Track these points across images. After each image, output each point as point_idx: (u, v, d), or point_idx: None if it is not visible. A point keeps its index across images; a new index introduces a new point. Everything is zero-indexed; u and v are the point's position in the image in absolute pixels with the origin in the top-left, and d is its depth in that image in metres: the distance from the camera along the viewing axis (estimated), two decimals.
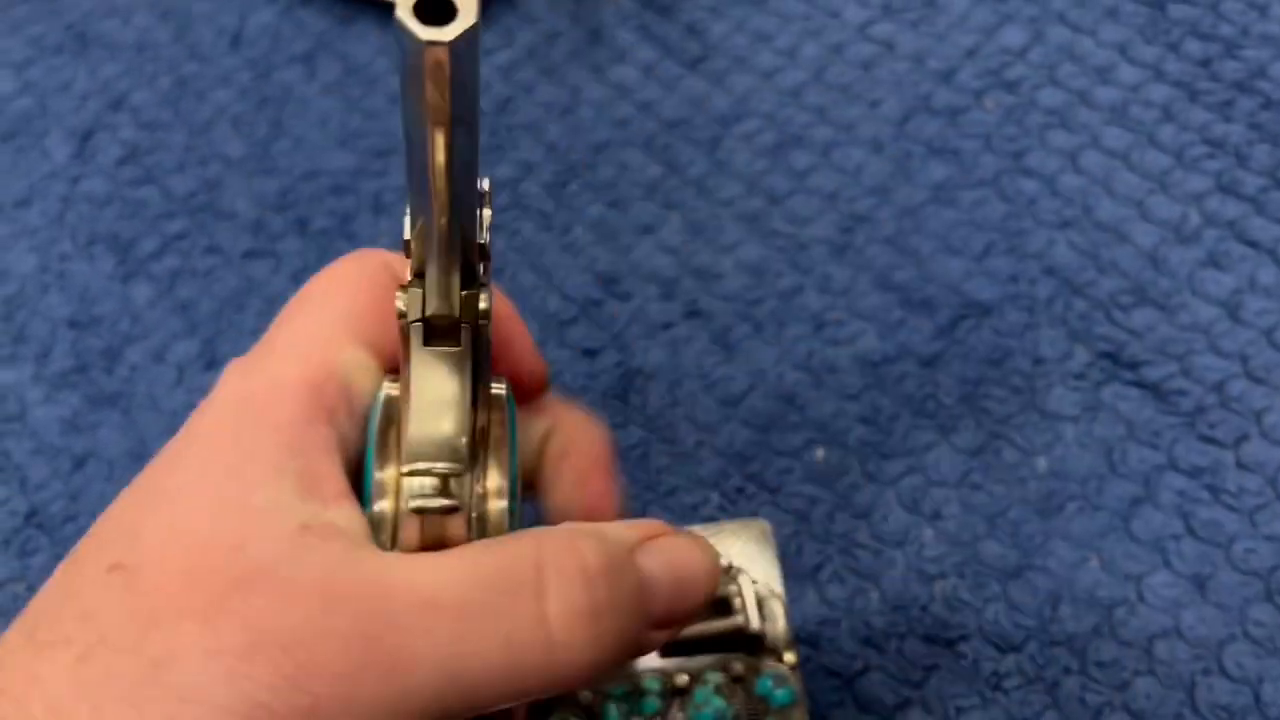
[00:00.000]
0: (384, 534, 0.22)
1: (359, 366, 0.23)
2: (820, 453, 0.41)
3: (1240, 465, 0.39)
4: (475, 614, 0.20)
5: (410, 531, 0.21)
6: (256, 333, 0.48)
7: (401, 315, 0.21)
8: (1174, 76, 0.47)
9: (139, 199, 0.50)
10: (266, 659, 0.18)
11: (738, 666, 0.32)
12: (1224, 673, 0.36)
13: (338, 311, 0.24)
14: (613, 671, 0.24)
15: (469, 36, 0.16)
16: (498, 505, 0.23)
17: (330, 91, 0.53)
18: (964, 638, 0.37)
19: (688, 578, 0.24)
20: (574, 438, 0.30)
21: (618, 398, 0.43)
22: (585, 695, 0.31)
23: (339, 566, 0.20)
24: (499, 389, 0.24)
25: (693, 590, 0.24)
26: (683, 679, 0.32)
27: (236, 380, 0.23)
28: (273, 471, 0.20)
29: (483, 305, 0.21)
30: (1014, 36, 0.49)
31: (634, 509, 0.41)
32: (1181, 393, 0.40)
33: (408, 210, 0.20)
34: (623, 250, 0.47)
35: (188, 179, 0.51)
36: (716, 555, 0.25)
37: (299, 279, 0.48)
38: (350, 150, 0.51)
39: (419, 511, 0.20)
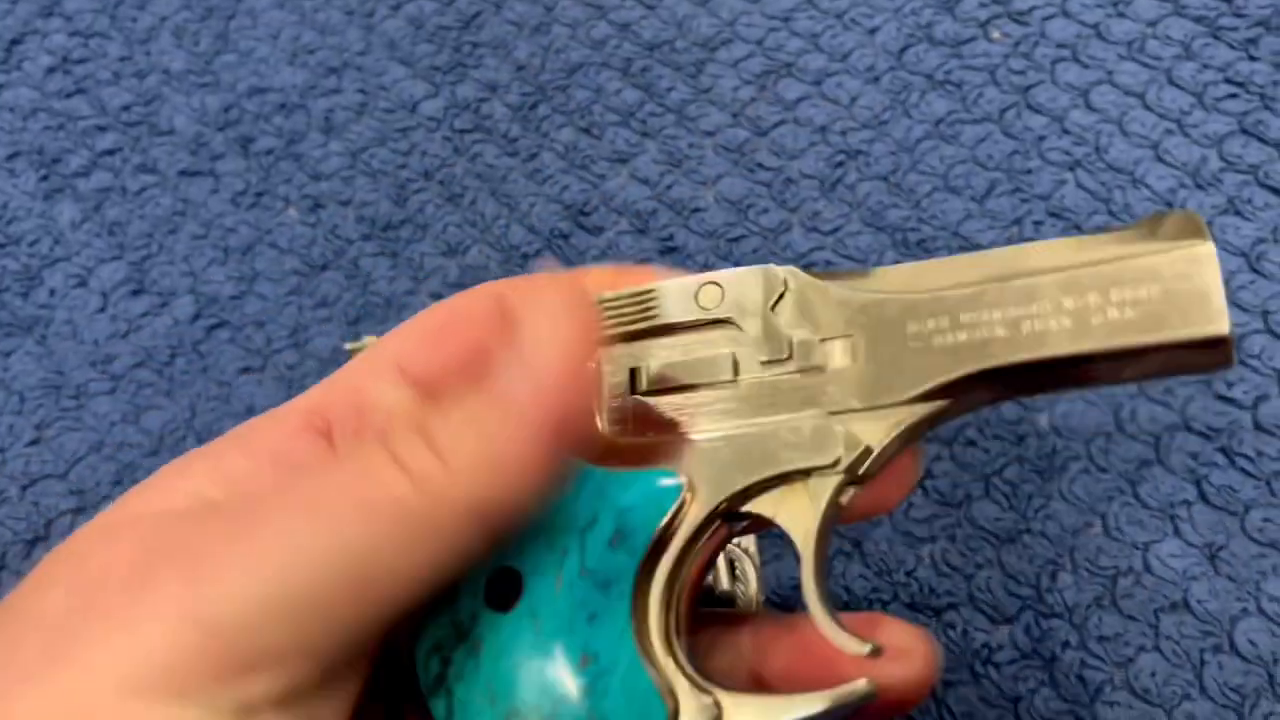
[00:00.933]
0: None
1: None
2: None
3: (1258, 427, 0.36)
4: (305, 508, 0.19)
5: None
6: (189, 258, 0.44)
7: None
8: (1195, 11, 0.44)
9: (68, 111, 0.46)
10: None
11: None
12: (1235, 651, 0.33)
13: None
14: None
15: None
16: None
17: (281, 3, 0.48)
18: (953, 606, 0.34)
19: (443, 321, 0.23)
20: None
21: None
22: None
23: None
24: None
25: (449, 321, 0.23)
26: None
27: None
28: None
29: None
30: None
31: None
32: None
33: None
34: (594, 180, 0.43)
35: (122, 92, 0.47)
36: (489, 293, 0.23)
37: (238, 202, 0.44)
38: (300, 66, 0.46)
39: None
